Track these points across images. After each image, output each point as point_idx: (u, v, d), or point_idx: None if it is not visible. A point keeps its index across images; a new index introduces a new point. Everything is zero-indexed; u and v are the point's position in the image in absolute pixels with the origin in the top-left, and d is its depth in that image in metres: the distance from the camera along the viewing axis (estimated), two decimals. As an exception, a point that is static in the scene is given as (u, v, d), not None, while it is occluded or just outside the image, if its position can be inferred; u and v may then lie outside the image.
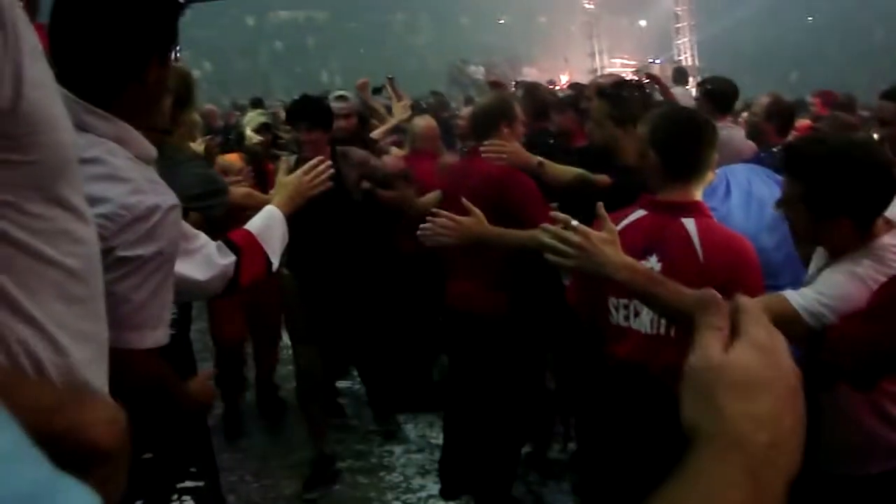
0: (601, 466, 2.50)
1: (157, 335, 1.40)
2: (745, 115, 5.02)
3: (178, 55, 3.80)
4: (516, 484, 3.81)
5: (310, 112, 3.84)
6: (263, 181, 4.30)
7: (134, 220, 1.31)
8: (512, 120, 3.34)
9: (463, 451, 3.67)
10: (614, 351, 2.35)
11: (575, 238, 1.90)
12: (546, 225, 1.96)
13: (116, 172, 1.32)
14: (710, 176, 3.00)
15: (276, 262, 1.96)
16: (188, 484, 1.55)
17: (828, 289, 1.86)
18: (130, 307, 1.35)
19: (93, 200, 1.27)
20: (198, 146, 3.80)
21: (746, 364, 0.65)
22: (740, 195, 3.02)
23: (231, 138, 4.88)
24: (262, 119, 4.66)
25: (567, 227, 1.92)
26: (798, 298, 1.86)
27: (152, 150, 1.43)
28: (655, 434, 2.34)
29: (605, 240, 1.91)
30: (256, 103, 9.94)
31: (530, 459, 4.07)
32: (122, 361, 1.31)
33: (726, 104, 4.48)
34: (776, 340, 0.68)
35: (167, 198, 1.38)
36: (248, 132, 4.43)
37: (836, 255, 1.93)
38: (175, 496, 1.53)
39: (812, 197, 1.85)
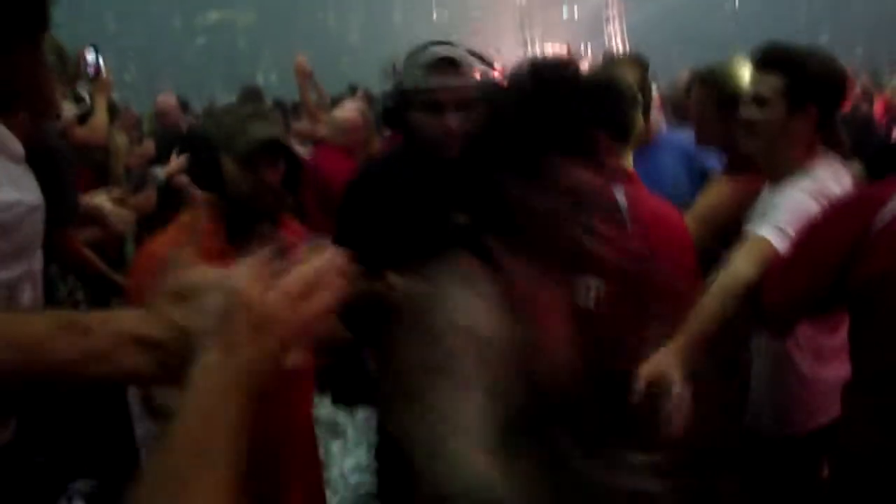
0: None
1: None
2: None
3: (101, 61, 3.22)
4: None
5: None
6: None
7: None
8: None
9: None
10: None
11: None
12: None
13: None
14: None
15: None
16: (79, 485, 1.46)
17: (780, 212, 1.86)
18: None
19: None
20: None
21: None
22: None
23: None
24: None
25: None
26: (771, 234, 1.83)
27: (18, 148, 1.31)
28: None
29: None
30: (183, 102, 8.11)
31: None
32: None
33: None
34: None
35: (30, 196, 1.26)
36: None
37: (787, 167, 1.97)
38: (64, 497, 1.44)
39: (793, 86, 1.95)
